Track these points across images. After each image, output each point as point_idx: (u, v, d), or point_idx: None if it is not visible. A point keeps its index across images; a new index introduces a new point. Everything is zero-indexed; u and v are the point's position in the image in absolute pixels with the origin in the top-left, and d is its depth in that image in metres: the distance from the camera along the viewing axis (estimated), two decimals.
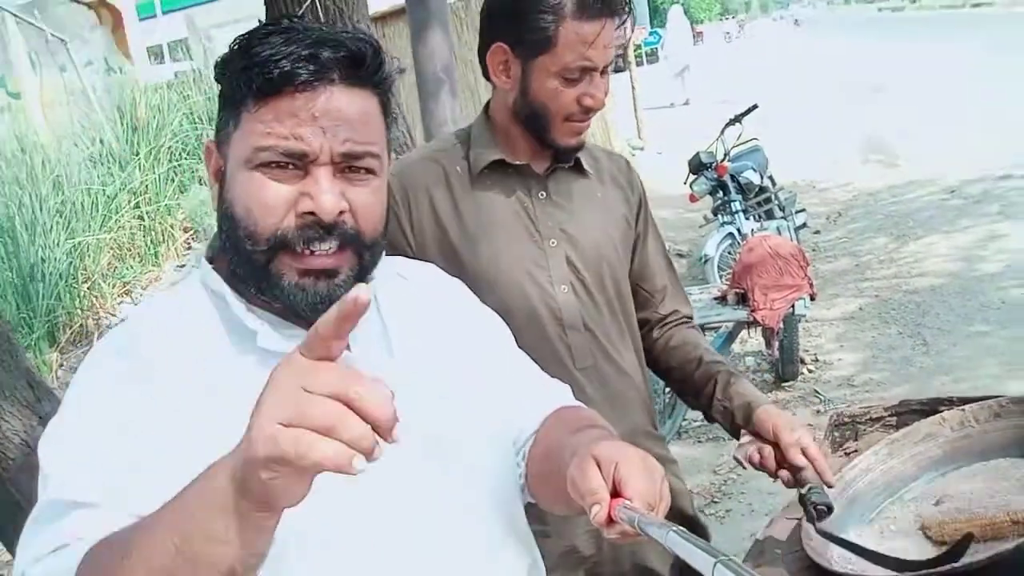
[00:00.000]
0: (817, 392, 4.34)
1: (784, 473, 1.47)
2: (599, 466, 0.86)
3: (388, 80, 1.02)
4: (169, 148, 11.57)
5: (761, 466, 1.49)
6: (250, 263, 0.98)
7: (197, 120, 12.44)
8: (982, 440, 1.56)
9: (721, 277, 4.95)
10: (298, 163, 0.95)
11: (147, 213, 10.38)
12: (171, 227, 10.80)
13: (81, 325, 7.62)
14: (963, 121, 10.66)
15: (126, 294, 9.34)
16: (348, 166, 0.97)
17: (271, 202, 0.95)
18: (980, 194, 7.41)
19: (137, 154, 10.89)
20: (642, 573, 1.65)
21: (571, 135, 1.55)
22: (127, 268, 9.68)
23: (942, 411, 1.62)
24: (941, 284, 5.52)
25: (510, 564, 1.07)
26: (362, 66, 0.97)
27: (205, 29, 20.48)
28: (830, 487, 1.45)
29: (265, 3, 2.95)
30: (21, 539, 0.87)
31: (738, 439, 1.57)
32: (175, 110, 12.28)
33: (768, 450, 1.48)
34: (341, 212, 0.96)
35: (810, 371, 4.64)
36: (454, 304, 1.22)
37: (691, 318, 1.81)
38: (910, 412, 1.72)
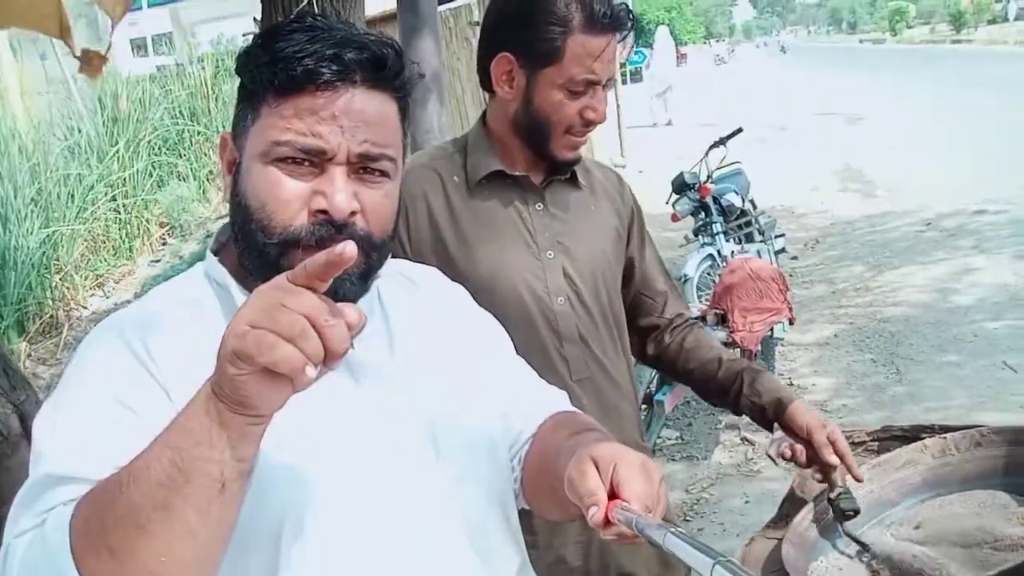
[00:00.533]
0: None
1: (815, 473, 1.53)
2: (597, 467, 0.86)
3: (408, 85, 1.02)
4: (149, 142, 11.48)
5: (792, 460, 1.55)
6: (261, 256, 0.98)
7: (178, 115, 12.36)
8: (962, 468, 1.57)
9: (700, 298, 4.98)
10: (314, 160, 0.96)
11: (124, 206, 10.28)
12: (147, 221, 10.71)
13: (52, 316, 7.51)
14: (940, 154, 10.84)
15: (98, 287, 9.23)
16: (363, 167, 0.98)
17: (285, 197, 0.96)
18: (955, 227, 7.52)
19: (116, 146, 10.79)
20: None
21: (570, 148, 1.56)
22: (100, 261, 9.57)
23: (924, 438, 1.64)
24: (915, 314, 5.59)
25: (502, 563, 1.08)
26: (384, 69, 0.98)
27: (189, 24, 20.39)
28: (859, 481, 1.51)
29: (262, 4, 2.93)
30: (10, 516, 0.86)
31: (770, 431, 1.63)
32: (156, 104, 12.19)
33: (800, 447, 1.54)
34: (353, 212, 0.97)
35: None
36: (455, 308, 1.22)
37: (696, 320, 1.84)
38: (892, 438, 1.73)
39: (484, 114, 1.64)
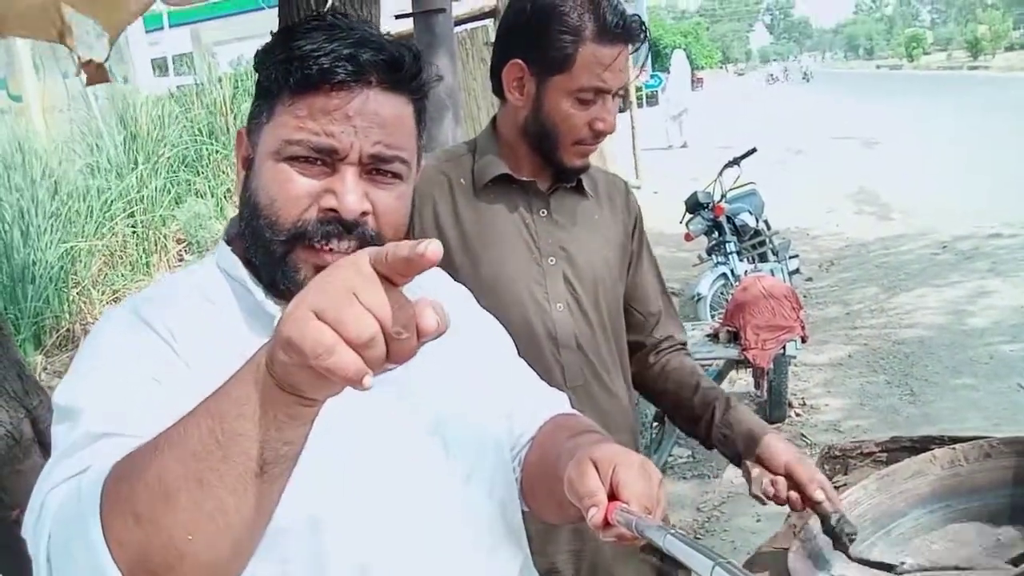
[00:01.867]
0: (804, 436, 4.34)
1: (794, 495, 1.47)
2: (597, 469, 0.87)
3: (425, 87, 1.03)
4: (168, 159, 11.60)
5: (775, 498, 1.49)
6: (267, 252, 0.98)
7: (197, 133, 12.49)
8: (971, 479, 1.56)
9: (713, 316, 4.97)
10: (327, 160, 0.96)
11: (141, 222, 10.38)
12: (164, 237, 10.80)
13: (68, 329, 7.57)
14: (954, 178, 10.80)
15: (115, 301, 9.30)
16: (376, 168, 0.98)
17: (295, 193, 0.96)
18: (970, 250, 7.48)
19: (135, 163, 10.91)
20: None
21: (578, 156, 1.57)
22: (118, 276, 9.65)
23: (932, 449, 1.63)
24: (930, 336, 5.56)
25: (507, 561, 1.08)
26: (400, 71, 0.98)
27: (209, 45, 20.61)
28: (840, 512, 1.47)
29: (279, 19, 2.96)
30: (41, 475, 0.83)
31: (736, 465, 1.59)
32: (176, 122, 12.33)
33: (781, 481, 1.49)
34: (363, 213, 0.97)
35: (797, 415, 4.65)
36: (460, 308, 1.22)
37: (685, 344, 1.81)
38: (900, 449, 1.72)
39: (495, 119, 1.65)
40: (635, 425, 1.73)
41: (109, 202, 9.92)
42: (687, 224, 5.84)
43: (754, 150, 5.96)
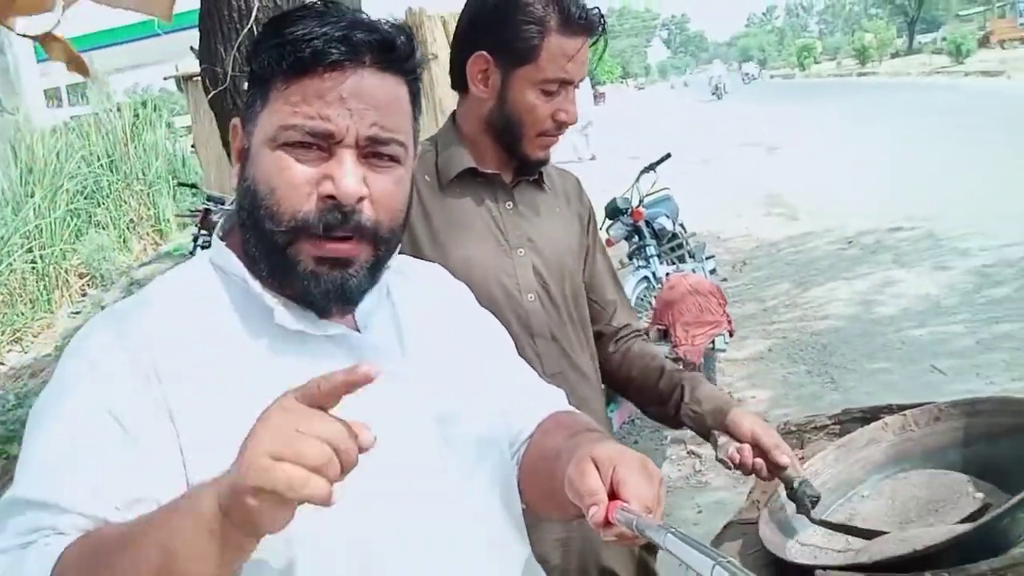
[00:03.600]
0: None
1: (759, 462, 1.52)
2: (597, 468, 0.87)
3: (419, 68, 1.02)
4: (67, 191, 11.19)
5: (740, 465, 1.53)
6: (268, 244, 0.96)
7: (96, 164, 12.10)
8: (923, 443, 1.61)
9: (639, 318, 5.03)
10: (322, 144, 0.94)
11: (41, 257, 9.99)
12: (66, 272, 10.40)
13: None
14: (853, 178, 11.24)
15: (16, 341, 8.90)
16: (373, 152, 0.96)
17: (294, 181, 0.94)
18: (874, 244, 7.78)
19: (32, 196, 10.49)
20: None
21: (542, 148, 1.59)
22: (17, 315, 9.25)
23: (883, 417, 1.68)
24: (844, 326, 5.75)
25: (511, 556, 1.08)
26: (393, 51, 0.97)
27: (104, 73, 20.01)
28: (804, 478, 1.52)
29: (200, 30, 2.88)
30: None
31: (707, 440, 1.62)
32: (74, 154, 11.91)
33: (747, 449, 1.53)
34: (361, 198, 0.95)
35: None
36: (459, 306, 1.23)
37: (641, 332, 1.83)
38: (852, 420, 1.77)
39: (454, 114, 1.64)
40: (605, 410, 1.74)
41: (5, 238, 9.52)
42: (607, 230, 5.90)
43: (668, 156, 6.08)
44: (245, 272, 0.99)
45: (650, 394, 1.71)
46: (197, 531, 0.73)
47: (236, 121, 1.03)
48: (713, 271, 6.51)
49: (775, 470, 1.49)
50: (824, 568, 1.26)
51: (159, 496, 0.82)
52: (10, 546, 0.79)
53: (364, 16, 0.98)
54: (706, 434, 1.62)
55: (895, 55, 42.37)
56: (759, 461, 1.51)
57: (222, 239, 1.04)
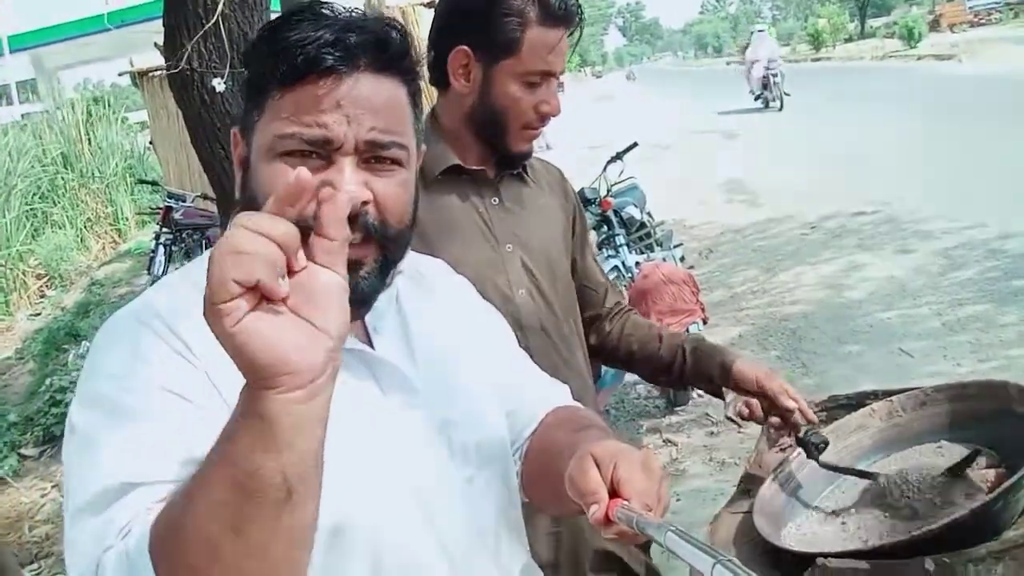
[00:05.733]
0: (708, 415, 4.47)
1: (774, 419, 1.58)
2: (598, 465, 0.87)
3: (416, 67, 1.00)
4: (21, 191, 10.95)
5: (751, 418, 1.58)
6: None
7: (51, 163, 11.86)
8: (910, 428, 1.64)
9: None
10: (321, 152, 0.92)
11: None
12: (23, 274, 10.21)
13: None
14: (812, 164, 11.37)
15: None
16: (374, 156, 0.95)
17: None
18: (838, 228, 7.88)
19: None
20: None
21: (525, 141, 1.59)
22: None
23: (869, 404, 1.71)
24: (812, 311, 5.81)
25: (510, 561, 1.08)
26: (388, 50, 0.95)
27: (53, 70, 19.60)
28: (813, 423, 1.59)
29: (165, 24, 2.83)
30: (71, 522, 0.82)
31: (720, 398, 1.67)
32: (26, 152, 11.66)
33: (755, 402, 1.58)
34: (364, 203, 0.93)
35: (699, 395, 4.77)
36: (463, 303, 1.22)
37: (632, 308, 1.88)
38: (838, 407, 1.80)
39: (433, 110, 1.63)
40: (596, 402, 1.75)
41: None
42: None
43: (635, 144, 6.11)
44: None
45: (654, 362, 1.75)
46: (238, 421, 0.69)
47: (236, 130, 1.01)
48: (682, 259, 6.57)
49: (782, 415, 1.55)
50: (824, 555, 1.28)
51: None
52: (111, 534, 0.79)
53: (359, 17, 0.96)
54: (717, 391, 1.67)
55: (848, 40, 42.88)
56: (754, 403, 1.59)
57: None
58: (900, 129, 12.55)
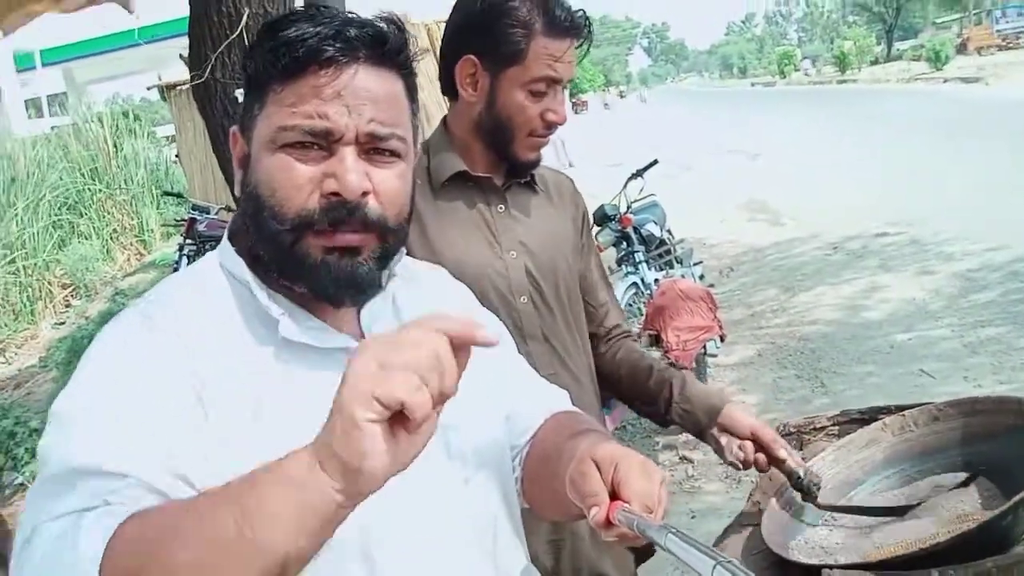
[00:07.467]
0: None
1: (760, 457, 1.55)
2: (598, 468, 0.87)
3: (413, 61, 1.02)
4: (49, 202, 11.10)
5: (748, 464, 1.56)
6: (275, 244, 0.95)
7: (79, 175, 12.02)
8: (922, 443, 1.62)
9: None
10: (322, 143, 0.94)
11: (23, 268, 9.91)
12: (49, 283, 10.32)
13: None
14: (836, 184, 11.33)
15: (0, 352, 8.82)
16: (373, 148, 0.96)
17: (296, 181, 0.94)
18: (860, 249, 7.84)
19: (14, 207, 10.41)
20: None
21: (532, 150, 1.60)
22: (0, 326, 9.17)
23: (882, 418, 1.69)
24: (831, 331, 5.78)
25: (509, 563, 1.08)
26: (386, 43, 0.97)
27: (83, 84, 19.93)
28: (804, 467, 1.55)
29: (189, 41, 2.88)
30: (34, 490, 0.81)
31: (701, 439, 1.64)
32: (55, 164, 11.84)
33: (748, 446, 1.55)
34: (365, 193, 0.95)
35: None
36: (461, 306, 1.23)
37: (630, 333, 1.85)
38: (850, 421, 1.78)
39: (445, 118, 1.65)
40: (601, 413, 1.74)
41: None
42: (596, 236, 5.93)
43: (656, 162, 6.11)
44: (251, 281, 0.99)
45: (641, 393, 1.71)
46: (284, 485, 0.69)
47: (235, 129, 1.02)
48: (701, 277, 6.55)
49: (775, 463, 1.52)
50: (830, 567, 1.27)
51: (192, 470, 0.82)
52: (67, 510, 0.76)
53: (355, 15, 0.99)
54: (699, 433, 1.63)
55: (874, 62, 42.73)
56: (760, 456, 1.54)
57: (230, 240, 1.04)
58: (925, 151, 12.49)
